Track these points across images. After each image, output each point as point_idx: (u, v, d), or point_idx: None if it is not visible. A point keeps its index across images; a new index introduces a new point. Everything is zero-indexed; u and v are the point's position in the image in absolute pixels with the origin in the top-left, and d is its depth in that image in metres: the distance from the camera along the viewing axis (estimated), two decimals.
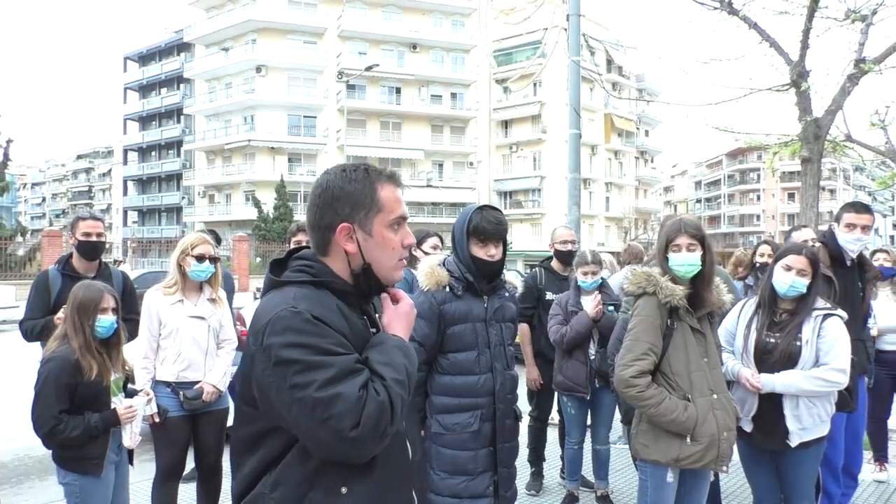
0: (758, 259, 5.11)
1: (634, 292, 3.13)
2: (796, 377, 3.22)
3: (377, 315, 1.80)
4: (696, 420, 2.94)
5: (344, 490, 1.55)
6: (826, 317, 3.29)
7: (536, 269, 5.49)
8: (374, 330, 1.73)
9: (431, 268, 3.06)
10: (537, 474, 5.34)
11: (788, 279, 3.32)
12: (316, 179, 1.74)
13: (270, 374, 1.49)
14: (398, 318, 1.73)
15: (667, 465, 3.03)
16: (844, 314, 3.35)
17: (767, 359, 3.32)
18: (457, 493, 2.89)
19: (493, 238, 2.99)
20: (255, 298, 19.37)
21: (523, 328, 5.12)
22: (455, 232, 3.06)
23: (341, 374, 1.47)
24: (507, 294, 3.18)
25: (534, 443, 5.37)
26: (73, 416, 3.16)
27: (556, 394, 5.07)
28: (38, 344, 4.35)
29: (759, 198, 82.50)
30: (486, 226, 2.97)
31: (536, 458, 5.36)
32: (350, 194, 1.66)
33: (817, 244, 4.14)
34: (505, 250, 3.09)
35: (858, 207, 4.10)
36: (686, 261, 3.05)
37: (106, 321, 3.29)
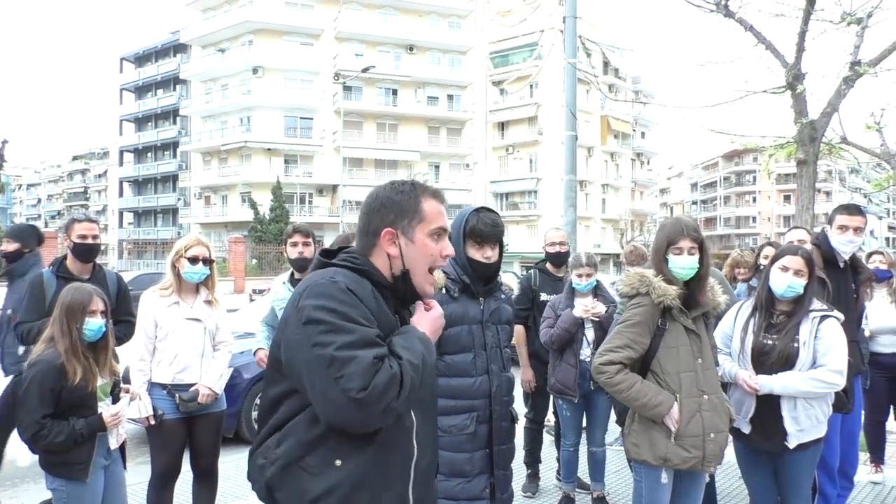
0: (762, 261, 5.11)
1: (628, 293, 3.13)
2: (794, 378, 3.23)
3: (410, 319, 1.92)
4: (672, 408, 2.95)
5: (338, 463, 1.66)
6: (823, 318, 3.30)
7: (531, 270, 5.52)
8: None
9: None
10: (533, 476, 5.34)
11: (785, 280, 3.32)
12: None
13: (299, 332, 1.65)
14: (426, 320, 1.87)
15: (657, 466, 3.03)
16: (841, 315, 3.36)
17: (765, 360, 3.33)
18: (453, 496, 2.89)
19: (489, 240, 2.99)
20: (251, 300, 19.35)
21: (519, 330, 5.13)
22: (451, 233, 3.04)
23: (361, 342, 1.60)
24: (503, 296, 3.17)
25: (530, 445, 5.38)
26: (58, 422, 3.12)
27: (551, 396, 5.07)
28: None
29: (754, 200, 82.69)
30: (482, 228, 2.96)
31: (532, 459, 5.36)
32: (396, 203, 1.85)
33: (811, 246, 4.15)
34: (501, 252, 3.08)
35: (851, 209, 4.12)
36: (688, 264, 3.05)
37: (94, 324, 3.25)
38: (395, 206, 1.85)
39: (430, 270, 1.88)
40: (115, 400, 3.43)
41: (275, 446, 1.70)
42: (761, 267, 5.06)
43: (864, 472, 5.35)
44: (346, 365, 1.56)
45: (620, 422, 3.43)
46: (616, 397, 3.13)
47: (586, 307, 4.61)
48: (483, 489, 2.93)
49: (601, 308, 4.61)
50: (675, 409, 2.96)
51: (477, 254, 2.99)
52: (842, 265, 4.09)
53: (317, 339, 1.60)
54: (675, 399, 2.99)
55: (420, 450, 1.81)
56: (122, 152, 65.39)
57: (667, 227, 3.17)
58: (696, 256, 3.05)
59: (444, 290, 2.99)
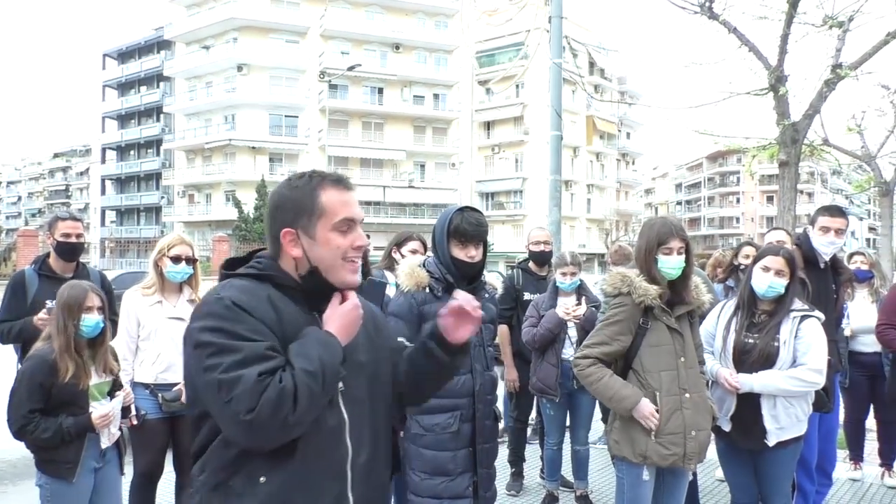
0: (741, 261, 5.16)
1: (612, 293, 3.16)
2: (774, 377, 3.27)
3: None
4: (640, 404, 2.98)
5: (262, 479, 1.59)
6: (804, 318, 3.34)
7: (514, 270, 5.55)
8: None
9: (412, 268, 3.06)
10: (517, 475, 5.35)
11: (767, 280, 3.36)
12: None
13: (191, 356, 1.60)
14: (336, 316, 1.72)
15: (638, 463, 3.06)
16: (822, 315, 3.40)
17: (746, 359, 3.36)
18: (437, 494, 2.90)
19: (473, 239, 2.99)
20: None
21: (502, 329, 5.14)
22: (436, 233, 3.05)
23: (248, 359, 1.52)
24: (486, 295, 3.18)
25: (514, 443, 5.39)
26: (46, 418, 3.11)
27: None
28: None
29: (738, 200, 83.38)
30: (466, 227, 2.97)
31: (517, 458, 5.38)
32: (291, 200, 1.73)
33: (792, 246, 4.19)
34: (485, 252, 3.09)
35: (833, 211, 4.15)
36: (677, 264, 3.07)
37: (91, 321, 3.24)
38: (290, 204, 1.73)
39: (347, 259, 1.74)
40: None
41: (199, 473, 1.65)
42: (740, 266, 5.12)
43: (843, 469, 5.43)
44: (234, 387, 1.49)
45: (605, 420, 3.46)
46: (588, 390, 3.21)
47: (567, 309, 4.63)
48: (466, 487, 2.94)
49: (582, 311, 4.63)
50: (645, 405, 2.98)
51: (461, 253, 2.99)
52: (822, 266, 4.13)
53: (206, 362, 1.54)
54: (656, 397, 3.01)
55: (356, 447, 1.72)
56: (104, 150, 64.72)
57: (655, 226, 3.16)
58: (683, 256, 3.08)
59: (427, 290, 3.00)
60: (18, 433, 3.12)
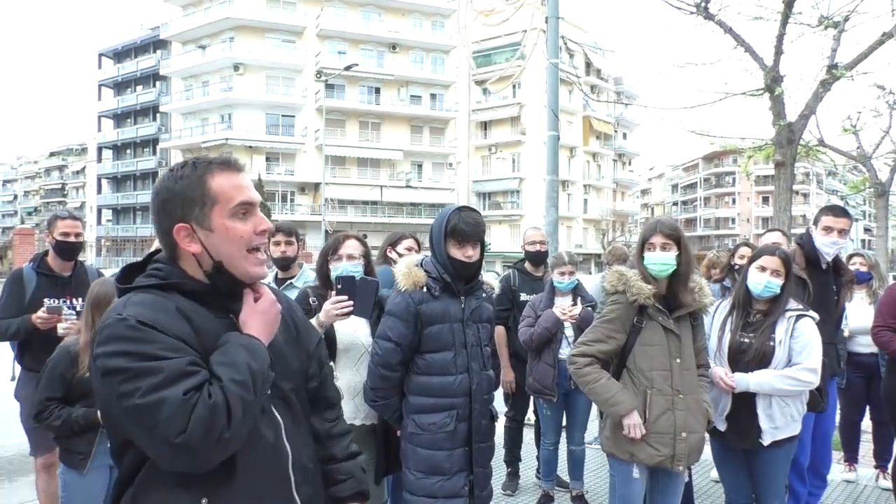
0: (737, 261, 5.16)
1: (610, 291, 3.20)
2: (769, 376, 3.27)
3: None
4: (631, 414, 3.00)
5: (204, 501, 1.49)
6: (799, 317, 3.35)
7: (510, 271, 5.54)
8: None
9: (409, 268, 3.06)
10: (513, 474, 5.36)
11: (763, 280, 3.37)
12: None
13: (101, 385, 1.44)
14: (253, 316, 1.61)
15: (627, 461, 3.08)
16: (816, 315, 3.40)
17: (742, 358, 3.37)
18: (432, 493, 2.90)
19: (470, 239, 2.99)
20: None
21: (499, 331, 5.12)
22: (433, 232, 3.06)
23: (168, 380, 1.39)
24: (483, 294, 3.18)
25: (510, 443, 5.39)
26: (62, 407, 3.19)
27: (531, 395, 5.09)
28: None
29: (734, 201, 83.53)
30: (463, 227, 2.97)
31: (512, 458, 5.38)
32: (178, 193, 1.58)
33: (792, 246, 4.19)
34: (482, 251, 3.09)
35: (836, 211, 4.13)
36: (659, 259, 3.08)
37: None
38: (178, 197, 1.57)
39: (252, 250, 1.61)
40: None
41: None
42: (737, 267, 5.12)
43: (838, 470, 5.44)
44: (157, 411, 1.36)
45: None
46: (582, 389, 3.21)
47: (564, 310, 4.63)
48: (462, 487, 2.95)
49: (578, 311, 4.64)
50: (634, 416, 3.01)
51: (458, 253, 2.98)
52: (824, 267, 4.11)
53: (119, 389, 1.39)
54: (647, 396, 3.03)
55: (295, 448, 1.66)
56: (100, 149, 64.54)
57: (645, 225, 3.28)
58: (671, 253, 3.08)
59: (424, 289, 2.99)
60: (35, 418, 3.22)
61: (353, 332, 3.25)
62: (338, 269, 3.26)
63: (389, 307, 3.03)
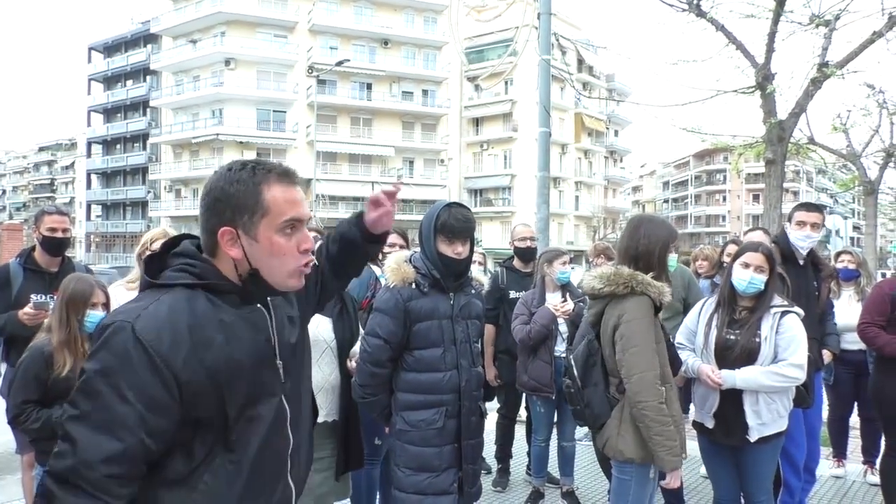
0: (725, 258, 5.18)
1: (621, 292, 3.01)
2: (755, 373, 3.28)
3: (292, 309, 1.77)
4: (678, 469, 2.94)
5: (206, 477, 1.50)
6: (784, 314, 3.36)
7: (498, 269, 5.53)
8: (269, 318, 1.64)
9: (398, 263, 3.04)
10: (504, 471, 5.36)
11: (747, 276, 3.38)
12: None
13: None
14: None
15: (646, 463, 3.00)
16: (801, 311, 3.42)
17: (728, 355, 3.38)
18: (421, 490, 2.89)
19: (460, 236, 2.97)
20: None
21: (489, 329, 5.08)
22: (423, 228, 3.04)
23: (96, 420, 1.38)
24: (472, 291, 3.17)
25: (501, 439, 5.39)
26: (40, 409, 3.13)
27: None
28: None
29: (724, 199, 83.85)
30: (453, 223, 2.95)
31: (503, 454, 5.38)
32: (231, 196, 1.54)
33: (771, 244, 4.22)
34: (472, 248, 3.08)
35: (808, 206, 4.24)
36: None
37: (96, 316, 3.23)
38: (230, 200, 1.53)
39: (297, 268, 1.61)
40: None
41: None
42: (724, 264, 5.14)
43: (826, 466, 5.47)
44: (75, 443, 1.37)
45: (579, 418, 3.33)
46: (644, 423, 2.90)
47: (556, 306, 4.64)
48: (451, 483, 2.94)
49: (570, 307, 4.64)
50: (678, 474, 2.93)
51: (448, 249, 2.97)
52: (801, 262, 4.17)
53: (74, 396, 1.42)
54: (670, 391, 3.00)
55: (296, 436, 1.70)
56: (89, 143, 64.11)
57: (665, 224, 3.20)
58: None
59: (413, 285, 2.98)
60: (13, 421, 3.16)
61: (316, 327, 3.17)
62: None
63: (378, 304, 3.02)
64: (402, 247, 4.27)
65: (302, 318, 1.85)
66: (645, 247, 3.09)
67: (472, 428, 3.03)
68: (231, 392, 1.51)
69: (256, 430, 1.56)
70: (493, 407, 5.32)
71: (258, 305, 1.62)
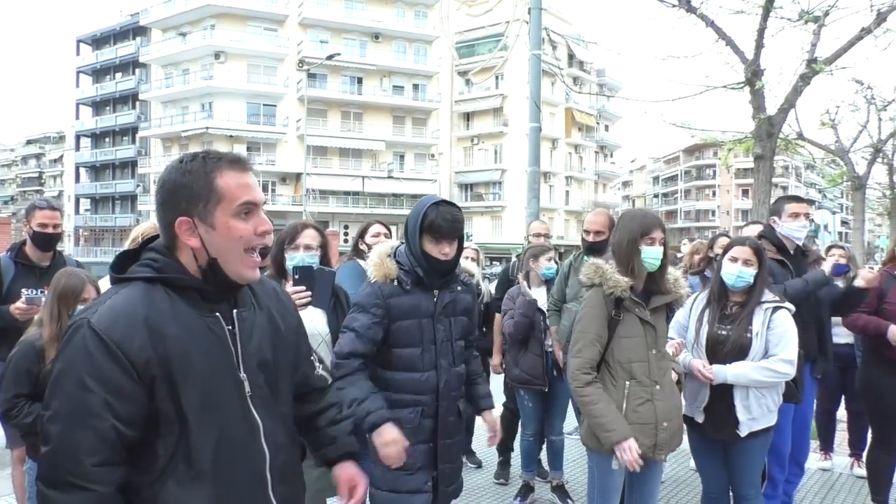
0: (717, 250, 5.21)
1: (586, 283, 3.17)
2: (746, 368, 3.29)
3: (251, 302, 1.73)
4: (627, 442, 2.91)
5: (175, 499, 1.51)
6: (775, 309, 3.38)
7: (512, 262, 5.67)
8: (230, 328, 1.62)
9: (381, 258, 2.92)
10: (505, 463, 5.35)
11: (735, 270, 3.39)
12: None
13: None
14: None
15: (607, 454, 3.03)
16: (793, 307, 3.43)
17: (719, 350, 3.39)
18: (395, 488, 2.83)
19: (447, 236, 2.81)
20: None
21: (498, 317, 5.16)
22: (409, 225, 2.88)
23: (67, 414, 1.44)
24: (459, 287, 3.02)
25: (504, 433, 5.32)
26: (32, 403, 3.10)
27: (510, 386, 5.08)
28: None
29: (714, 194, 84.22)
30: (441, 223, 2.78)
31: (505, 447, 5.34)
32: (185, 186, 1.57)
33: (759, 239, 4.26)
34: (461, 247, 2.92)
35: (798, 198, 4.33)
36: (660, 254, 3.08)
37: None
38: (184, 191, 1.56)
39: (248, 250, 1.62)
40: None
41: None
42: (714, 258, 5.17)
43: (813, 459, 5.51)
44: (54, 441, 1.43)
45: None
46: (580, 408, 3.12)
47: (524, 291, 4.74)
48: (425, 482, 2.86)
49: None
50: (631, 444, 2.91)
51: (434, 249, 2.81)
52: (792, 252, 4.21)
53: (46, 396, 1.48)
54: (625, 388, 3.02)
55: (273, 450, 1.66)
56: (78, 137, 63.59)
57: (638, 218, 3.16)
58: (661, 248, 3.11)
59: (395, 282, 2.87)
60: (4, 416, 3.16)
61: (311, 321, 3.07)
62: (294, 258, 3.18)
63: (357, 298, 2.92)
64: (386, 236, 4.23)
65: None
66: (616, 240, 3.16)
67: (450, 427, 2.92)
68: (185, 388, 1.50)
69: (218, 439, 1.55)
70: (499, 399, 5.33)
71: (217, 314, 1.61)
